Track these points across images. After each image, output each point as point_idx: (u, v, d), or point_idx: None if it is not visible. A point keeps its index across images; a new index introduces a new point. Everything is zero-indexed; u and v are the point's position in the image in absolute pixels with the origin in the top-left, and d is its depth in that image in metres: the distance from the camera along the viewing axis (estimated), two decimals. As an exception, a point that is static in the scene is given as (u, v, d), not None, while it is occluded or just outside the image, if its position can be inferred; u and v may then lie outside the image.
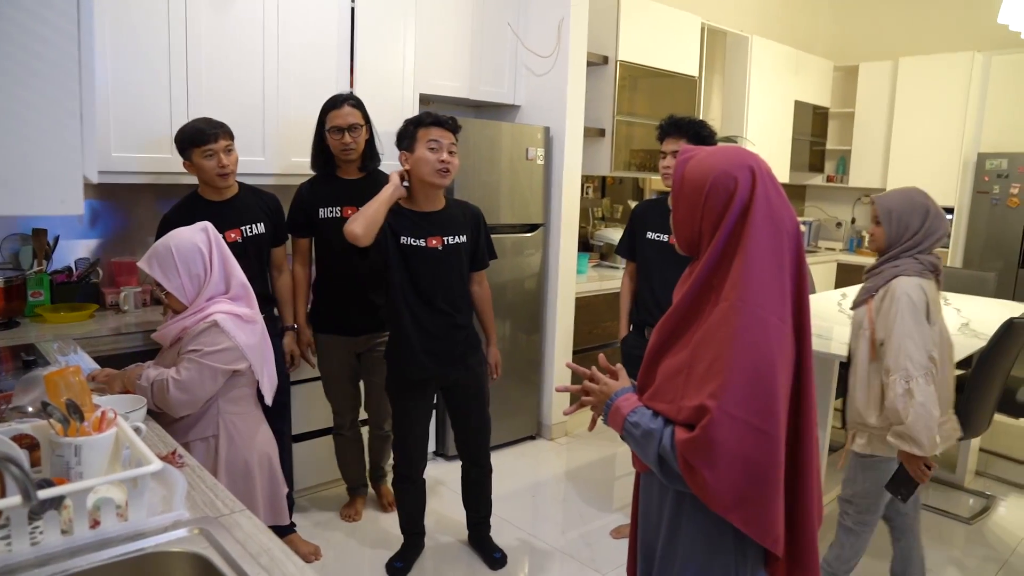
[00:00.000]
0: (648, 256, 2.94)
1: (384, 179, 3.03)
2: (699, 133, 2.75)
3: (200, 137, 2.57)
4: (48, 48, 1.06)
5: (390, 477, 3.40)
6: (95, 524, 1.24)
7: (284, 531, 2.81)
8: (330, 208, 2.91)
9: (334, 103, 2.86)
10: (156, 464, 1.26)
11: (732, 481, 1.22)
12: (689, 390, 1.28)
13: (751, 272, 1.25)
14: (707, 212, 1.31)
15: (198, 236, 1.95)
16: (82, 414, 1.37)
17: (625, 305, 3.10)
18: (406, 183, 2.54)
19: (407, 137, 2.52)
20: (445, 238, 2.56)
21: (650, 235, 2.93)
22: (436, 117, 2.50)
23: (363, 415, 3.24)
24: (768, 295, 1.25)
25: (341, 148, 2.85)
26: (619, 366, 1.51)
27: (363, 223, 2.40)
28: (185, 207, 2.69)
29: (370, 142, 2.96)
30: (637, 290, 3.02)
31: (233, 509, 1.38)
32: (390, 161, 3.37)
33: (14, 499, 1.03)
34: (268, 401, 2.09)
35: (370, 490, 3.38)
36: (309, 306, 3.07)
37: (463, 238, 2.61)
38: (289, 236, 2.98)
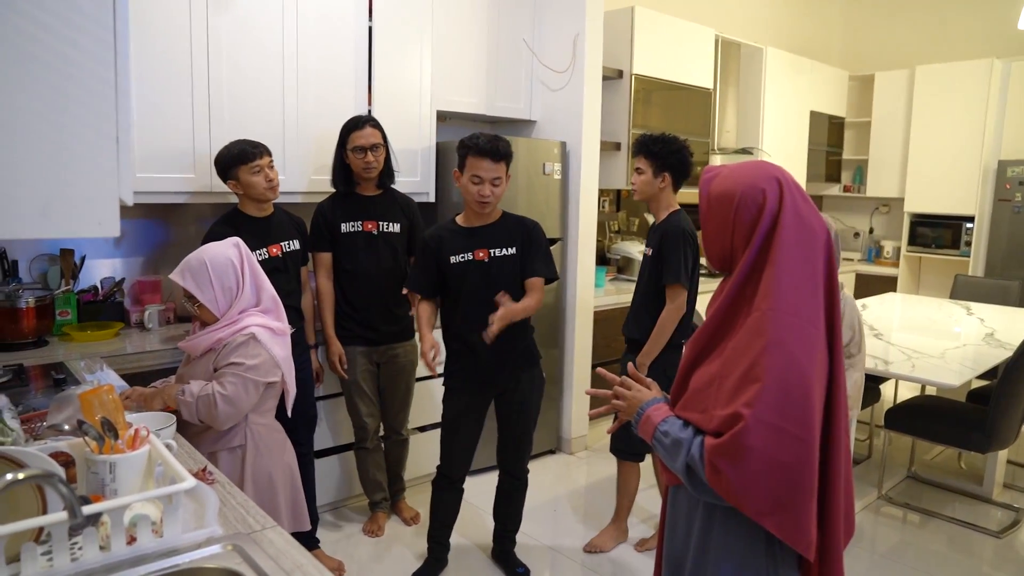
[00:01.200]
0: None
1: (400, 197, 3.09)
2: (656, 151, 2.86)
3: (246, 156, 2.68)
4: (85, 74, 1.09)
5: (409, 491, 3.44)
6: (131, 540, 1.25)
7: (308, 546, 2.82)
8: (352, 223, 3.01)
9: (356, 124, 2.95)
10: (190, 481, 1.28)
11: (767, 486, 1.23)
12: (721, 399, 1.29)
13: (782, 281, 1.26)
14: (738, 227, 1.33)
15: (231, 251, 1.99)
16: (116, 432, 1.39)
17: None
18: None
19: (459, 158, 2.60)
20: (492, 250, 2.62)
21: (638, 251, 3.04)
22: (484, 147, 2.53)
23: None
24: (801, 303, 1.26)
25: (364, 167, 2.95)
26: (650, 380, 1.53)
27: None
28: (229, 222, 2.76)
29: (387, 160, 3.05)
30: None
31: (264, 525, 1.39)
32: (404, 178, 3.41)
33: (59, 515, 1.05)
34: (289, 412, 2.11)
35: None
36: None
37: (512, 250, 2.65)
38: (309, 256, 3.03)
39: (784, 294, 1.25)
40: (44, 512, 1.19)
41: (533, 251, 2.70)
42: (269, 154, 2.75)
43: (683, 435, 1.34)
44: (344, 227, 3.00)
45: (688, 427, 1.35)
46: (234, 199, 2.83)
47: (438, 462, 2.83)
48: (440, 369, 2.76)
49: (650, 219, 4.55)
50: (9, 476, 0.86)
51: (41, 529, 1.19)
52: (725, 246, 1.36)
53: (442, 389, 2.79)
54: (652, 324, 2.87)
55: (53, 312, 2.87)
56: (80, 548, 1.22)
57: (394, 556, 3.05)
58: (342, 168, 3.01)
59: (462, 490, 2.86)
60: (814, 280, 1.28)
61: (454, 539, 2.96)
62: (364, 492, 3.31)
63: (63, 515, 1.11)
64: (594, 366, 4.22)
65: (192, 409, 1.88)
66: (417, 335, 2.76)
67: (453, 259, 2.61)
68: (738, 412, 1.23)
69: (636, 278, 3.10)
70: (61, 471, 1.17)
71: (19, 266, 2.96)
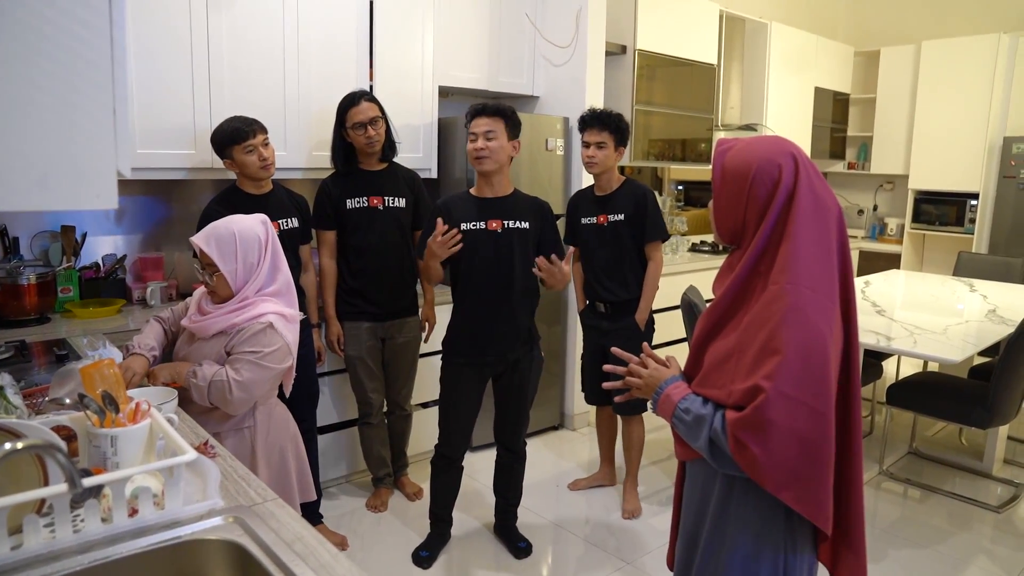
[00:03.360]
0: (585, 238, 3.18)
1: (404, 172, 3.08)
2: (619, 126, 3.04)
3: (239, 135, 2.65)
4: (82, 45, 1.08)
5: (411, 467, 3.46)
6: (133, 512, 1.26)
7: (312, 521, 2.84)
8: (357, 199, 2.99)
9: (352, 100, 2.93)
10: (191, 454, 1.29)
11: (785, 459, 1.24)
12: (740, 373, 1.29)
13: (799, 256, 1.26)
14: (752, 201, 1.32)
15: (259, 227, 1.97)
16: (117, 405, 1.40)
17: (578, 283, 3.32)
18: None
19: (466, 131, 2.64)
20: (506, 222, 2.63)
21: (584, 220, 3.18)
22: (477, 107, 2.60)
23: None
24: (818, 277, 1.27)
25: (366, 142, 2.93)
26: (671, 357, 1.52)
27: (429, 278, 2.67)
28: (226, 200, 2.74)
29: (387, 133, 3.02)
30: (583, 270, 3.25)
31: (266, 498, 1.40)
32: (406, 154, 3.39)
33: (61, 487, 1.05)
34: (288, 392, 2.11)
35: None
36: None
37: (525, 224, 2.66)
38: (312, 233, 3.02)
39: (802, 268, 1.26)
40: (46, 485, 1.19)
41: (549, 229, 2.74)
42: (263, 131, 2.71)
43: (704, 411, 1.34)
44: (349, 203, 2.99)
45: (708, 403, 1.36)
46: (234, 175, 2.82)
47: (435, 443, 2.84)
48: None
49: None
50: (8, 446, 0.87)
51: (43, 501, 1.20)
52: (738, 219, 1.35)
53: (438, 368, 2.80)
54: (637, 283, 3.11)
55: (55, 289, 2.87)
56: (82, 520, 1.23)
57: (397, 531, 3.08)
58: (342, 147, 2.98)
59: (461, 468, 2.87)
60: (829, 255, 1.29)
61: (456, 515, 2.99)
62: (367, 468, 3.33)
63: (64, 487, 1.11)
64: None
65: (204, 392, 1.87)
66: (440, 315, 2.78)
67: (464, 226, 2.60)
68: (758, 385, 1.23)
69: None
70: (61, 443, 1.17)
71: (20, 243, 2.96)
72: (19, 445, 0.87)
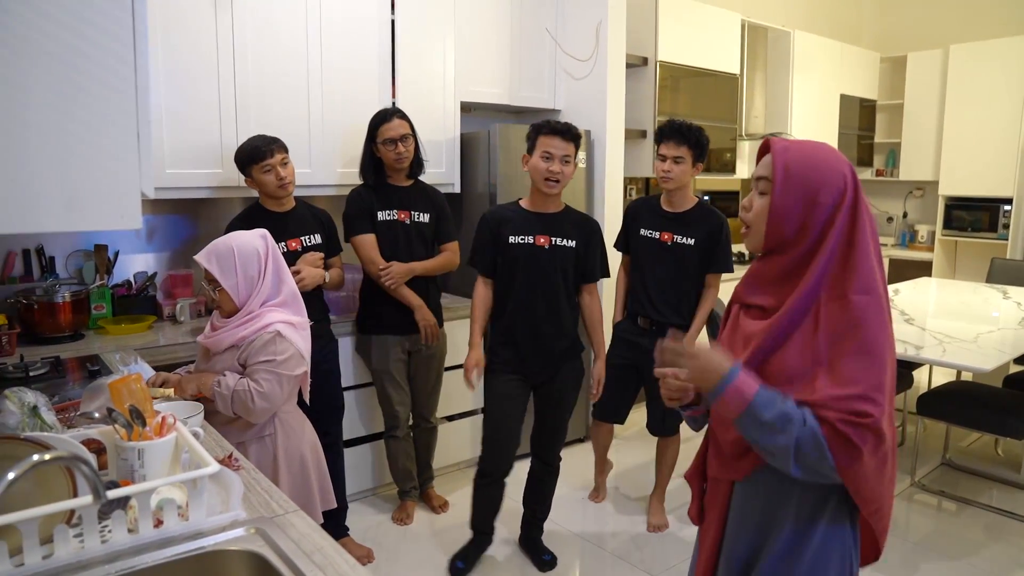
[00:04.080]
0: (641, 251, 3.12)
1: (427, 188, 3.12)
2: (699, 141, 2.94)
3: (257, 154, 2.72)
4: (107, 74, 1.13)
5: (437, 479, 3.47)
6: (158, 523, 1.29)
7: (337, 534, 2.87)
8: (388, 211, 3.04)
9: (384, 117, 2.97)
10: (214, 466, 1.32)
11: (882, 472, 1.25)
12: (834, 379, 1.25)
13: (872, 268, 1.28)
14: (817, 208, 1.30)
15: (257, 241, 2.02)
16: (144, 419, 1.44)
17: (621, 293, 3.27)
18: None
19: (529, 141, 2.64)
20: (553, 239, 2.65)
21: (643, 232, 3.11)
22: (556, 126, 2.59)
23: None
24: (883, 289, 1.29)
25: (395, 158, 2.97)
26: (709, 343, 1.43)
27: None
28: (248, 217, 2.80)
29: (416, 150, 3.07)
30: (631, 282, 3.19)
31: (287, 509, 1.43)
32: (430, 169, 3.43)
33: (86, 498, 1.09)
34: (307, 399, 2.15)
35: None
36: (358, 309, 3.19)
37: (572, 243, 2.68)
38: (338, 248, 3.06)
39: (876, 281, 1.28)
40: (75, 496, 1.23)
41: (594, 252, 2.75)
42: (283, 150, 2.77)
43: (790, 408, 1.24)
44: (380, 215, 3.02)
45: (788, 399, 1.26)
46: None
47: (477, 456, 2.82)
48: (479, 386, 2.78)
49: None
50: (36, 457, 0.90)
51: (72, 512, 1.23)
52: (797, 223, 1.31)
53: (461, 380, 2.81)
54: (689, 309, 3.05)
55: (88, 306, 2.95)
56: (110, 531, 1.26)
57: (422, 544, 3.09)
58: (372, 161, 3.02)
59: (504, 484, 2.83)
60: (882, 266, 1.32)
61: (480, 526, 2.99)
62: (394, 481, 3.35)
63: (89, 498, 1.15)
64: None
65: (227, 402, 1.93)
66: (466, 329, 2.80)
67: (512, 239, 2.62)
68: (869, 395, 1.21)
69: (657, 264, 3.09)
70: (88, 455, 1.21)
71: (55, 262, 3.05)
72: (46, 457, 0.91)
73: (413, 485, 3.33)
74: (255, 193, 2.92)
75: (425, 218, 3.10)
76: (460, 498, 3.38)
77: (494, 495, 2.83)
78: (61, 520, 1.21)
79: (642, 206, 3.19)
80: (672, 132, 2.93)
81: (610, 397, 3.16)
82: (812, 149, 1.35)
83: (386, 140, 2.95)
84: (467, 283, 3.88)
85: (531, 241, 2.63)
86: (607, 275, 2.85)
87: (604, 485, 3.56)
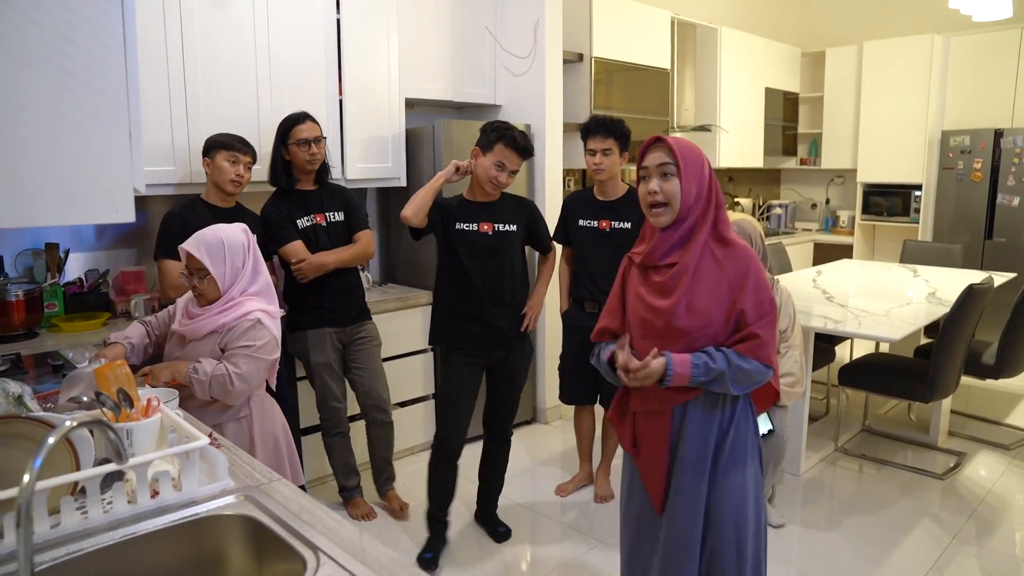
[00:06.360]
0: (582, 240, 3.29)
1: (334, 188, 3.21)
2: (623, 131, 3.14)
3: (231, 143, 2.86)
4: (102, 80, 1.22)
5: (397, 481, 3.41)
6: (154, 494, 1.40)
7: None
8: (305, 218, 3.07)
9: (297, 119, 3.03)
10: (203, 439, 1.44)
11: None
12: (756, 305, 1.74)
13: (727, 218, 1.78)
14: (703, 179, 1.74)
15: (241, 235, 2.14)
16: (132, 401, 1.54)
17: (565, 284, 3.44)
18: (455, 178, 2.78)
19: (487, 139, 2.74)
20: (496, 225, 2.80)
21: (582, 222, 3.28)
22: (518, 143, 2.72)
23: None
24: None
25: (308, 159, 3.03)
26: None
27: (413, 207, 2.70)
28: (191, 207, 2.91)
29: (324, 155, 3.14)
30: (575, 271, 3.37)
31: (271, 479, 1.55)
32: (376, 164, 3.53)
33: (94, 470, 1.20)
34: (273, 384, 2.26)
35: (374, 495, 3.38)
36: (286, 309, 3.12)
37: (513, 227, 2.84)
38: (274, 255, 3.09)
39: (734, 233, 1.79)
40: (77, 469, 1.33)
41: (540, 227, 2.97)
42: (253, 157, 2.92)
43: (718, 363, 1.70)
44: (300, 222, 3.05)
45: (712, 356, 1.71)
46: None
47: (431, 439, 2.90)
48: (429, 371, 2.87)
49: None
50: (68, 422, 1.01)
51: (76, 484, 1.33)
52: (697, 193, 1.73)
53: (417, 365, 2.93)
54: None
55: (41, 305, 2.96)
56: (110, 503, 1.37)
57: (393, 540, 3.19)
58: (283, 164, 3.06)
59: (458, 466, 2.94)
60: None
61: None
62: (337, 479, 3.29)
63: (98, 470, 1.26)
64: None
65: (205, 387, 2.03)
66: (411, 318, 2.90)
67: (459, 226, 2.78)
68: (755, 333, 1.73)
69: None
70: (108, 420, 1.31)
71: (4, 261, 3.05)
72: (75, 423, 1.01)
73: (358, 481, 3.31)
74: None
75: (340, 216, 3.15)
76: (417, 479, 3.41)
77: (449, 475, 2.93)
78: (66, 492, 1.31)
79: (577, 198, 3.37)
80: (597, 127, 3.12)
81: (572, 382, 3.39)
82: (685, 139, 1.81)
83: (299, 141, 3.00)
84: (418, 274, 4.02)
85: (476, 228, 2.79)
86: (550, 242, 3.05)
87: (591, 474, 3.57)
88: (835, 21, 7.10)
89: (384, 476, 3.34)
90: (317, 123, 3.08)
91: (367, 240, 3.20)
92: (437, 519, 2.97)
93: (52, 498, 1.28)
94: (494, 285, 2.81)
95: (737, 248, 1.75)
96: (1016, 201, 5.80)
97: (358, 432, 3.33)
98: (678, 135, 5.63)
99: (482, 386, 2.98)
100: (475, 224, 2.78)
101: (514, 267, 2.85)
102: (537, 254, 3.09)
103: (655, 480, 1.86)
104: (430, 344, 2.91)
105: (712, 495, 1.81)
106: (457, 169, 2.73)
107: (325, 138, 3.12)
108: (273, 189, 3.11)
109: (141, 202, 3.27)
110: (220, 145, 2.86)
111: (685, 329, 1.73)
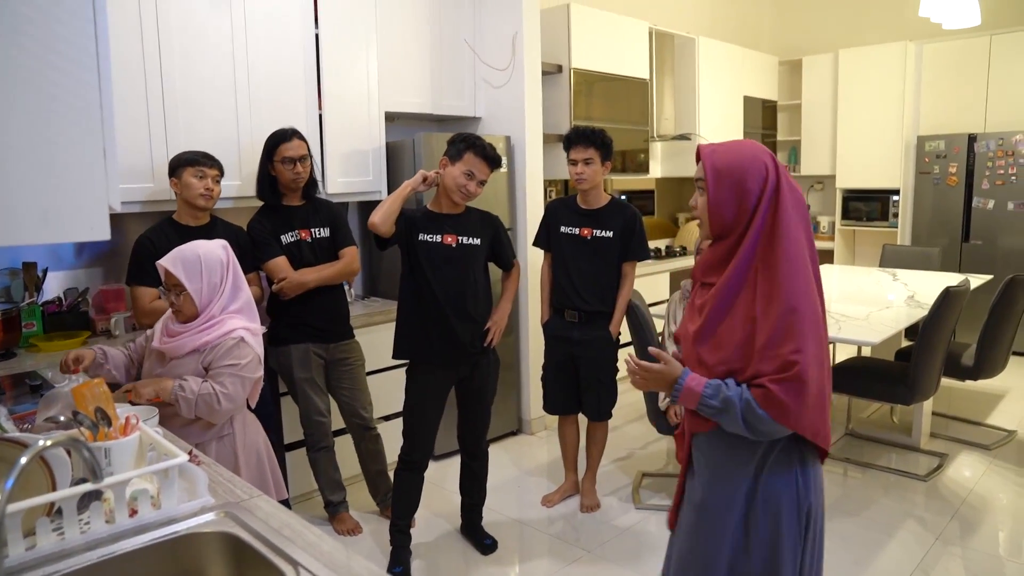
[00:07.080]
0: (564, 248, 3.30)
1: (321, 203, 3.20)
2: (604, 141, 3.14)
3: (196, 158, 2.85)
4: (75, 97, 1.22)
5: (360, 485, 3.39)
6: (133, 513, 1.39)
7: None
8: (289, 233, 3.08)
9: (283, 136, 3.03)
10: (183, 456, 1.43)
11: (818, 407, 1.50)
12: (772, 343, 1.48)
13: (793, 239, 1.51)
14: (746, 195, 1.54)
15: (220, 251, 2.13)
16: (110, 420, 1.52)
17: (546, 291, 3.43)
18: (422, 188, 2.76)
19: (455, 149, 2.73)
20: (460, 238, 2.78)
21: (564, 229, 3.30)
22: (487, 152, 2.72)
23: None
24: (803, 256, 1.53)
25: (293, 177, 3.03)
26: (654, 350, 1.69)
27: (380, 213, 2.65)
28: (161, 230, 2.89)
29: (311, 171, 3.14)
30: (555, 278, 3.37)
31: (251, 495, 1.54)
32: (356, 178, 3.52)
33: (70, 490, 1.19)
34: (254, 403, 2.24)
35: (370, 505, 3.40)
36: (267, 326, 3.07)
37: (477, 240, 2.82)
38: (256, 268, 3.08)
39: (800, 252, 1.52)
40: (53, 489, 1.32)
41: (504, 243, 2.94)
42: (221, 171, 2.91)
43: (731, 393, 1.52)
44: (284, 238, 3.06)
45: (728, 384, 1.53)
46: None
47: (399, 452, 2.90)
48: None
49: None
50: (41, 441, 1.00)
51: (52, 505, 1.32)
52: (733, 211, 1.55)
53: (400, 378, 2.91)
54: (613, 297, 3.25)
55: (19, 324, 2.94)
56: (87, 523, 1.36)
57: (376, 554, 3.19)
58: (269, 179, 3.06)
59: (423, 477, 2.94)
60: (807, 234, 1.56)
61: (423, 515, 3.10)
62: (323, 494, 3.26)
63: (73, 490, 1.25)
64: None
65: (191, 405, 2.00)
66: (391, 333, 2.90)
67: (422, 236, 2.75)
68: (790, 360, 1.46)
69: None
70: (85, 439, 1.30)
71: (-19, 282, 3.02)
72: (49, 442, 1.00)
73: (344, 495, 3.29)
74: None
75: (325, 232, 3.15)
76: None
77: (415, 483, 2.92)
78: (42, 513, 1.30)
79: (560, 205, 3.38)
80: (579, 137, 3.14)
81: (555, 392, 3.41)
82: (736, 147, 1.60)
83: (284, 159, 3.00)
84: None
85: (439, 240, 2.76)
86: (514, 256, 3.02)
87: (576, 483, 3.56)
88: (811, 30, 7.20)
89: (384, 491, 3.33)
90: (304, 140, 3.07)
91: (352, 257, 3.18)
92: (398, 528, 2.93)
93: (27, 519, 1.27)
94: (456, 298, 2.77)
95: (777, 271, 1.54)
96: (991, 204, 5.88)
97: (342, 446, 3.31)
98: (658, 147, 5.68)
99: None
100: (439, 235, 2.76)
101: (477, 281, 2.82)
102: (501, 271, 3.03)
103: (674, 499, 1.83)
104: (394, 358, 2.88)
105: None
106: (424, 179, 2.73)
107: (312, 156, 3.12)
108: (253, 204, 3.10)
109: (122, 220, 3.26)
110: (185, 162, 2.85)
111: (703, 359, 1.60)
